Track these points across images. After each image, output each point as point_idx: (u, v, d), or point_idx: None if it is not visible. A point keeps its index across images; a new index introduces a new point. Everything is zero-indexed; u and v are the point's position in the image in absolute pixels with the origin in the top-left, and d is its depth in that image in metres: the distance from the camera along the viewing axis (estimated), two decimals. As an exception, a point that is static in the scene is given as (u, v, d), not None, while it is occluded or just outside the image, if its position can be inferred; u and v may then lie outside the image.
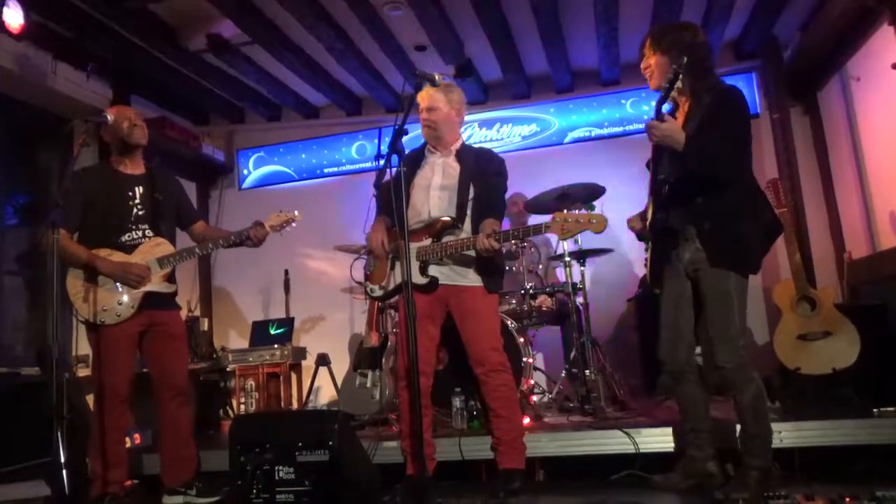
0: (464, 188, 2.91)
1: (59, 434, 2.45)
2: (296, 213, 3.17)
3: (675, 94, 2.55)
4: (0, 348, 4.42)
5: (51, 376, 2.49)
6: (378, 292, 3.02)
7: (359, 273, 4.10)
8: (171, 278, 3.09)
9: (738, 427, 2.55)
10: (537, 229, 2.72)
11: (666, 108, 2.44)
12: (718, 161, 2.35)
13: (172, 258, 3.04)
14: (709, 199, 2.40)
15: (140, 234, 3.04)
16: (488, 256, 2.77)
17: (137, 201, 3.07)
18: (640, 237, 2.74)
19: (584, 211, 2.64)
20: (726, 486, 2.44)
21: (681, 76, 2.39)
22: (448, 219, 2.86)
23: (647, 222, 2.54)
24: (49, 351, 2.55)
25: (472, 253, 2.88)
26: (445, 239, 2.84)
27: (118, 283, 2.93)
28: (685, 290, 2.55)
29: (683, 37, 2.48)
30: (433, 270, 2.87)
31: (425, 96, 2.87)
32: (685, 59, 2.28)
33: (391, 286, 2.97)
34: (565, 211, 2.61)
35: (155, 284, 3.00)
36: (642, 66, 2.60)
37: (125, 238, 3.00)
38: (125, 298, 2.93)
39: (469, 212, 2.89)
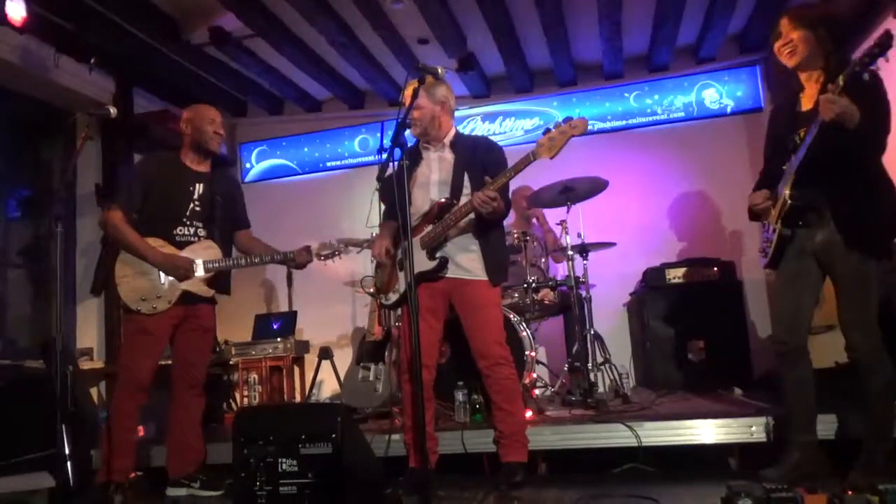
0: (458, 176, 2.91)
1: (63, 426, 2.46)
2: (342, 245, 3.27)
3: (805, 74, 2.48)
4: (4, 341, 4.43)
5: (55, 369, 2.50)
6: (393, 298, 3.01)
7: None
8: (211, 283, 3.08)
9: (865, 409, 2.48)
10: (526, 160, 2.71)
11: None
12: (872, 137, 2.30)
13: (217, 263, 3.06)
14: (846, 179, 2.35)
15: (193, 231, 3.07)
16: (490, 215, 2.75)
17: (196, 198, 3.09)
18: (755, 217, 2.65)
19: (561, 123, 2.65)
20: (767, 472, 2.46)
21: (828, 51, 2.37)
22: (443, 200, 2.86)
23: (782, 198, 2.43)
24: (53, 343, 2.56)
25: (476, 247, 2.89)
26: (445, 218, 2.84)
27: (162, 275, 2.96)
28: (811, 270, 2.50)
29: (829, 11, 2.43)
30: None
31: (408, 96, 2.81)
32: (889, 35, 2.11)
33: (403, 288, 2.93)
34: (543, 133, 2.68)
35: (194, 285, 3.02)
36: (782, 42, 2.46)
37: (178, 232, 3.03)
38: (165, 292, 2.96)
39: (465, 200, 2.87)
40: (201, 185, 3.12)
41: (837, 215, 2.38)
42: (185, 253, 3.01)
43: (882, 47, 2.06)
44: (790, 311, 2.54)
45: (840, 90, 2.15)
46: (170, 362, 3.13)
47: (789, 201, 2.41)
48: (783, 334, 2.55)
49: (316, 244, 3.23)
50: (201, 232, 3.09)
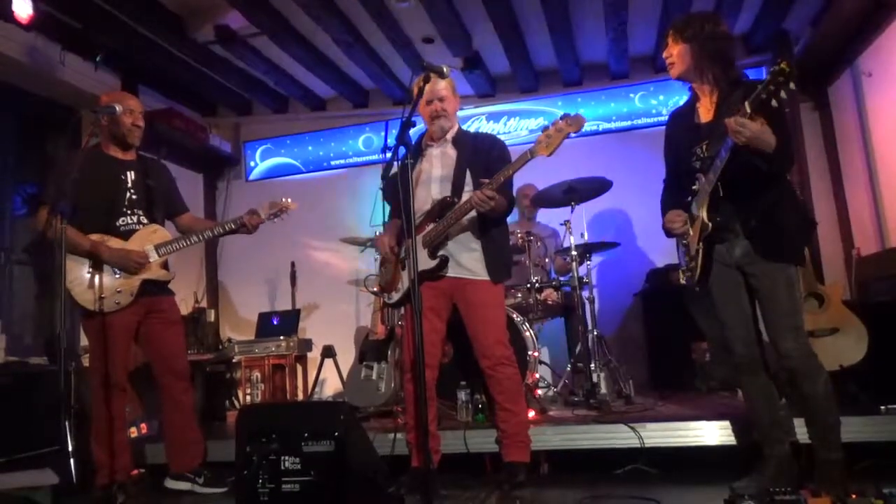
0: (460, 173, 2.91)
1: (66, 423, 2.46)
2: (289, 200, 3.19)
3: (695, 85, 2.53)
4: (9, 338, 4.44)
5: (59, 366, 2.50)
6: (396, 297, 3.01)
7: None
8: (166, 265, 3.08)
9: (808, 419, 2.48)
10: (524, 158, 2.70)
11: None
12: (786, 158, 2.33)
13: (170, 245, 3.03)
14: (757, 194, 2.38)
15: (135, 219, 3.02)
16: (490, 213, 2.75)
17: (130, 186, 3.04)
18: (672, 234, 2.67)
19: (559, 121, 2.64)
20: (743, 481, 2.42)
21: (706, 67, 2.40)
22: (445, 198, 2.86)
23: (700, 221, 2.45)
24: (57, 340, 2.56)
25: (478, 246, 2.88)
26: (446, 216, 2.84)
27: (116, 270, 2.92)
28: (740, 280, 2.49)
29: (705, 27, 2.44)
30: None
31: (438, 87, 2.87)
32: (780, 62, 2.16)
33: (406, 286, 2.93)
34: (542, 131, 2.68)
35: (153, 272, 2.99)
36: (665, 54, 2.56)
37: (120, 223, 2.98)
38: (124, 286, 2.92)
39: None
40: (132, 172, 3.06)
41: (750, 230, 2.40)
42: (132, 241, 2.96)
43: (786, 76, 2.08)
44: (741, 324, 2.52)
45: (748, 115, 2.15)
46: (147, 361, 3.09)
47: (709, 224, 2.42)
48: (742, 348, 2.52)
49: (263, 205, 3.18)
50: (143, 219, 3.03)
